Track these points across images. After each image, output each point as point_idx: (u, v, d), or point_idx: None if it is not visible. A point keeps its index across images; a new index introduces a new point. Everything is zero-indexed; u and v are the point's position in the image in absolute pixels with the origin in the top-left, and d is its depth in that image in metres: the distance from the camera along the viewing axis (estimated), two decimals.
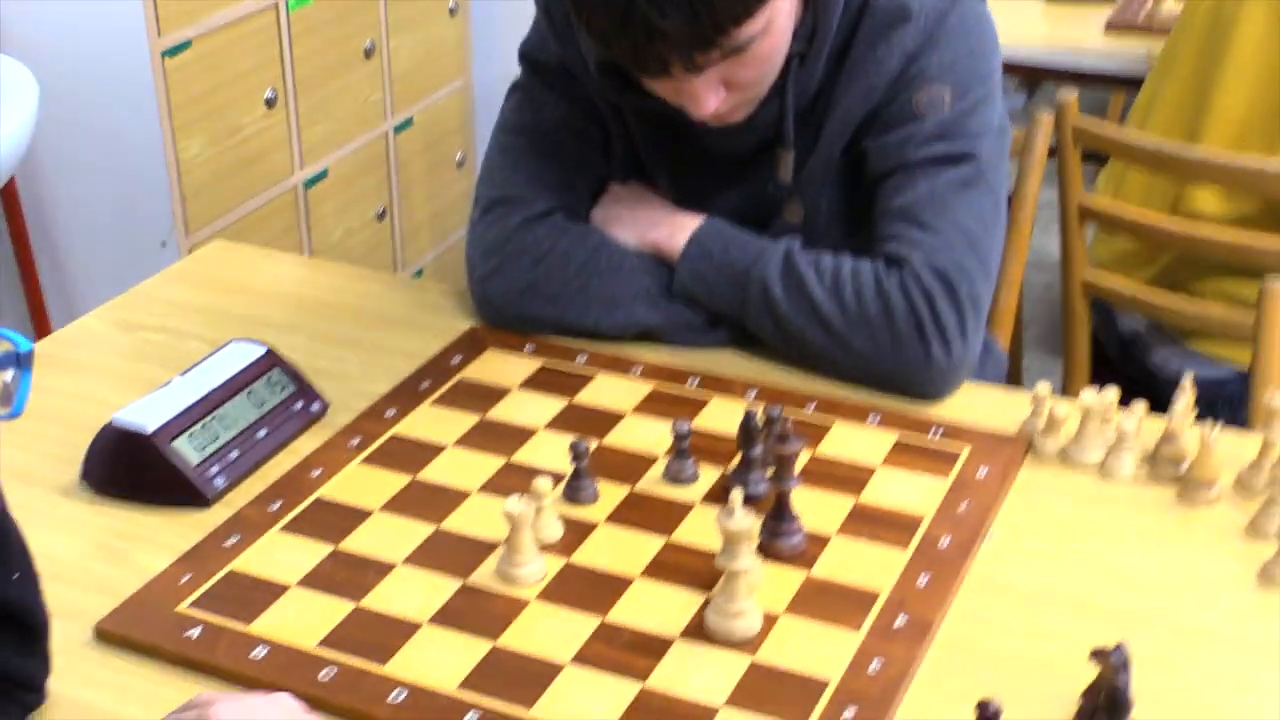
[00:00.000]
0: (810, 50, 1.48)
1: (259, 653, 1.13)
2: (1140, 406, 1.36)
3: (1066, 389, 2.23)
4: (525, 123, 1.62)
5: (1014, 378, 2.27)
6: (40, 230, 2.63)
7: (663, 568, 1.18)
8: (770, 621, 1.16)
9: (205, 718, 0.98)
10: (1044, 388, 1.39)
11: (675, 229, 1.54)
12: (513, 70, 1.66)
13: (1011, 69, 2.55)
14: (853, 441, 1.39)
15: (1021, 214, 1.97)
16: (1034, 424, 1.39)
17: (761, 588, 1.18)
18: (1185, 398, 1.35)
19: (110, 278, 2.34)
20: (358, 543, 1.26)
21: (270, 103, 2.68)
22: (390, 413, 1.44)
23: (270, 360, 1.46)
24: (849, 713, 1.06)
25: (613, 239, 1.57)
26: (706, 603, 1.17)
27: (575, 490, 1.30)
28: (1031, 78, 3.29)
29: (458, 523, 1.28)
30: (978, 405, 1.45)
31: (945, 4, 1.49)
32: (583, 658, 1.12)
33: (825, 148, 1.53)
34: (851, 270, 1.46)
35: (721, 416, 1.42)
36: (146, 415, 1.34)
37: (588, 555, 1.24)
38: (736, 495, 1.12)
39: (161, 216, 2.54)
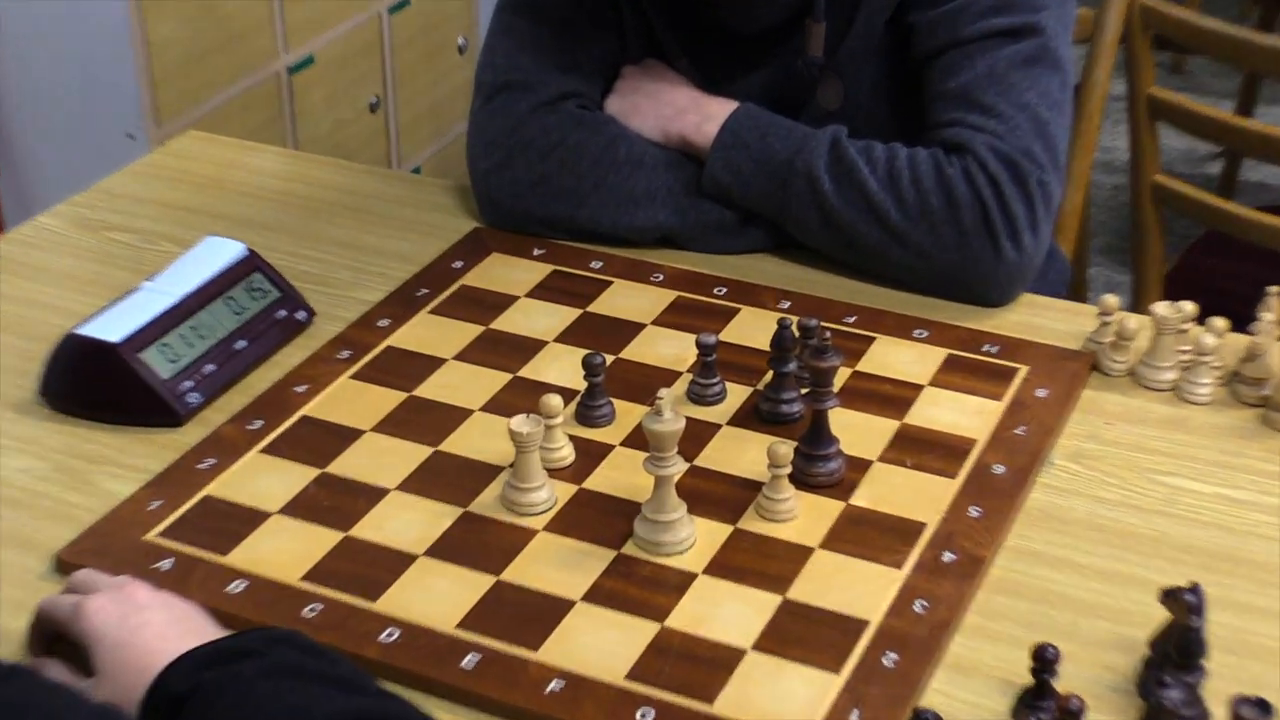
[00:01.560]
0: None
1: (236, 587, 1.13)
2: (1220, 321, 1.34)
3: (1136, 306, 2.22)
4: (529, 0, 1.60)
5: (1077, 291, 2.25)
6: None
7: (686, 495, 1.17)
8: (803, 555, 1.15)
9: (81, 611, 1.01)
10: (1112, 299, 1.38)
11: (704, 118, 1.52)
12: None
13: None
14: (897, 358, 1.38)
15: (1089, 104, 1.95)
16: (1100, 339, 1.38)
17: (796, 518, 1.18)
18: (1271, 310, 1.33)
19: (71, 173, 2.32)
20: (346, 466, 1.26)
21: None
22: (384, 322, 1.44)
23: (251, 262, 1.45)
24: (890, 657, 1.06)
25: (631, 130, 1.55)
26: (733, 534, 1.17)
27: (588, 409, 1.30)
28: None
29: (458, 444, 1.28)
30: (1038, 318, 1.44)
31: None
32: (595, 594, 1.12)
33: (865, 21, 1.51)
34: (908, 158, 1.44)
35: (751, 328, 1.42)
36: (112, 324, 1.33)
37: (601, 481, 1.23)
38: (665, 395, 1.11)
39: (128, 106, 2.52)
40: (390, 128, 3.13)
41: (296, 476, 1.25)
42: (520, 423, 1.17)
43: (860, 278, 1.49)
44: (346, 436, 1.29)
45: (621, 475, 1.24)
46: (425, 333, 1.42)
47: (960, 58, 1.47)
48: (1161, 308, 1.34)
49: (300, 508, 1.21)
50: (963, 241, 1.42)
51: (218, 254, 1.45)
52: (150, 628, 1.02)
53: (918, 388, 1.34)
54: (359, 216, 1.65)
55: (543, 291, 1.48)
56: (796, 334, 1.30)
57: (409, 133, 3.20)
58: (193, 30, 2.56)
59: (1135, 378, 1.35)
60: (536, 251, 1.55)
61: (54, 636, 1.06)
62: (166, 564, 1.15)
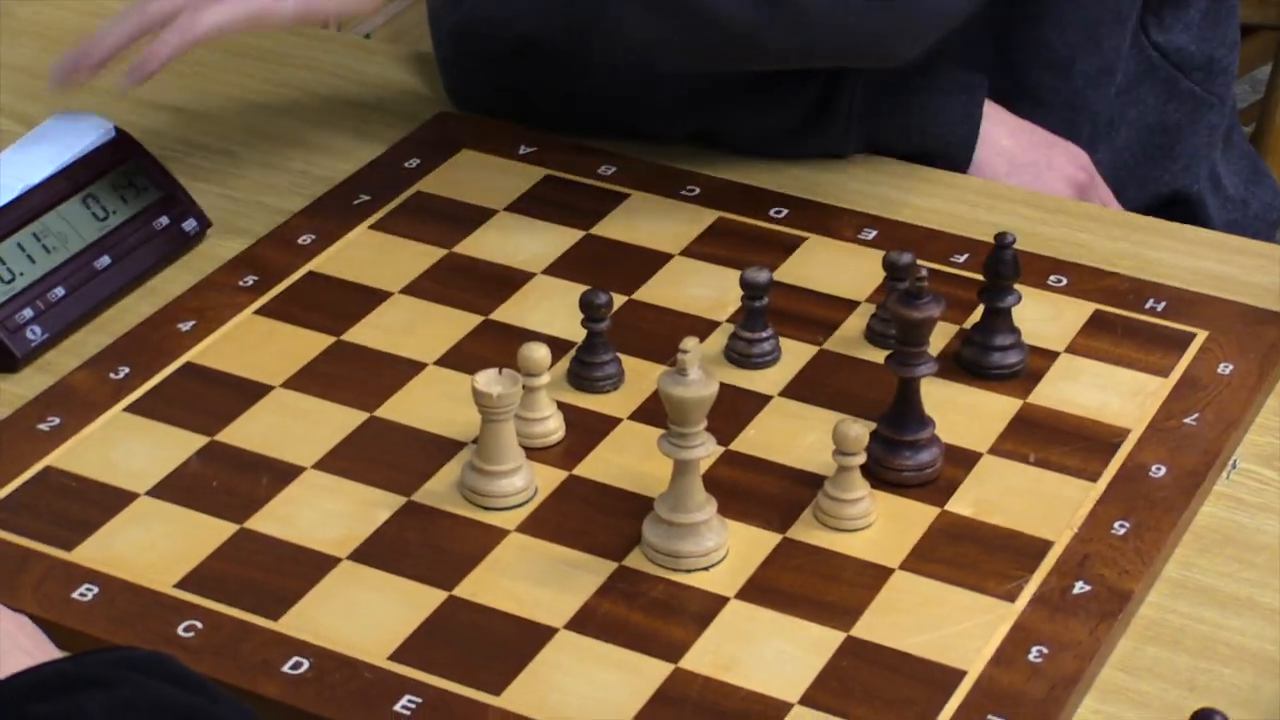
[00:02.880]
0: None
1: (85, 593, 1.16)
2: None
3: None
4: None
5: None
6: None
7: (718, 490, 1.20)
8: (878, 579, 1.18)
9: None
10: None
11: None
12: None
13: None
14: (1023, 313, 1.39)
15: None
16: None
17: (871, 528, 1.21)
18: None
19: None
20: (245, 434, 1.29)
21: None
22: (306, 239, 1.47)
23: (122, 148, 1.48)
24: None
25: None
26: (780, 545, 1.20)
27: (586, 368, 1.33)
28: None
29: (402, 409, 1.31)
30: (1226, 265, 1.47)
31: None
32: (584, 622, 1.14)
33: None
34: None
35: (820, 266, 1.45)
36: None
37: (600, 466, 1.26)
38: (691, 346, 1.13)
39: None
40: None
41: (174, 446, 1.27)
42: (489, 380, 1.19)
43: (980, 195, 1.53)
44: (247, 393, 1.32)
45: (628, 459, 1.26)
46: (364, 255, 1.45)
47: None
48: None
49: (178, 489, 1.24)
50: None
51: (73, 136, 1.48)
52: None
53: (1050, 355, 1.36)
54: (274, 91, 1.68)
55: (531, 204, 1.51)
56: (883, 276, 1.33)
57: None
58: None
59: None
60: (524, 149, 1.58)
61: None
62: None
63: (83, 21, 1.77)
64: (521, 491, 1.22)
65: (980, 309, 1.34)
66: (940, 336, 1.34)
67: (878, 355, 1.32)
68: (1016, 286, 1.34)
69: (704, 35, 1.44)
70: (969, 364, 1.34)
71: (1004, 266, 1.31)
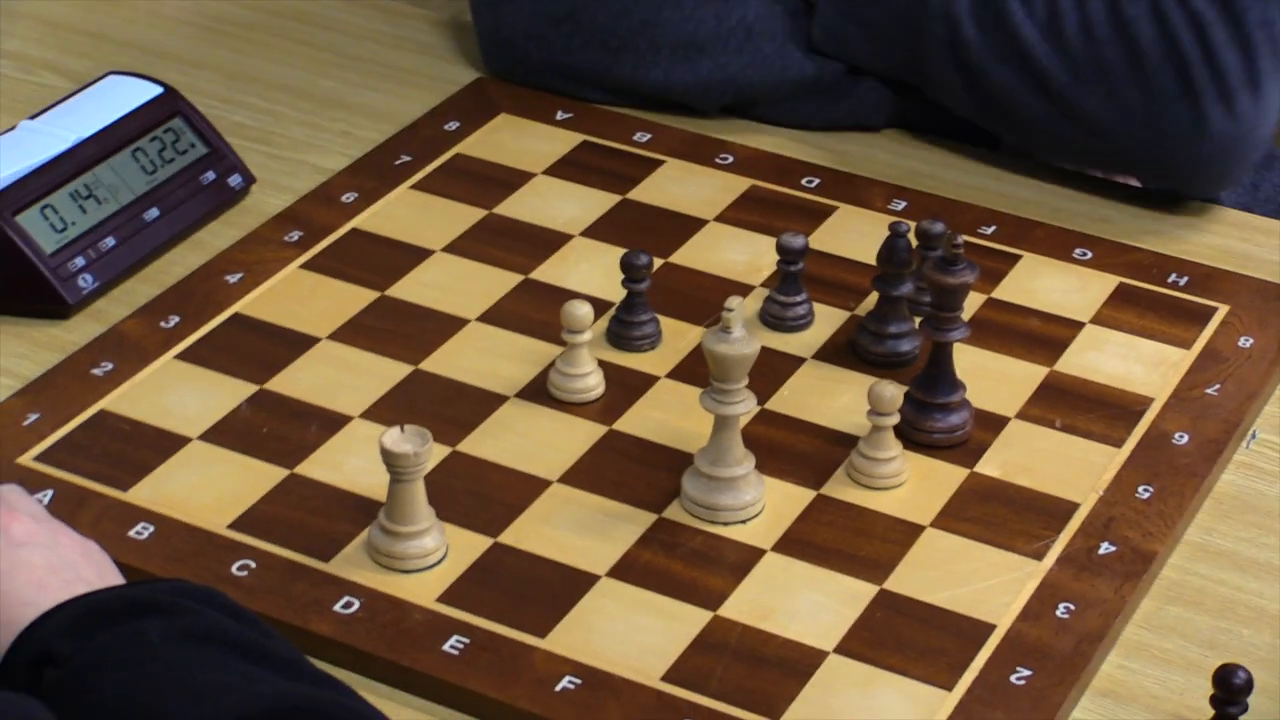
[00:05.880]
0: None
1: (141, 531, 1.19)
2: None
3: None
4: None
5: None
6: None
7: (755, 447, 1.22)
8: (910, 535, 1.20)
9: (2, 527, 1.06)
10: None
11: None
12: None
13: None
14: (1050, 284, 1.42)
15: None
16: None
17: (903, 486, 1.23)
18: None
19: None
20: (293, 383, 1.31)
21: None
22: (348, 197, 1.49)
23: (170, 105, 1.50)
24: (1021, 674, 1.10)
25: None
26: (815, 501, 1.22)
27: (626, 327, 1.35)
28: None
29: (445, 363, 1.33)
30: (1247, 242, 1.49)
31: None
32: (626, 570, 1.17)
33: None
34: None
35: (852, 234, 1.47)
36: None
37: (639, 422, 1.29)
38: (734, 303, 1.16)
39: None
40: None
41: (225, 393, 1.30)
42: (397, 440, 1.14)
43: (1007, 169, 1.54)
44: (294, 344, 1.35)
45: (667, 416, 1.29)
46: (406, 214, 1.48)
47: None
48: None
49: (229, 434, 1.26)
50: (1153, 109, 1.45)
51: (122, 92, 1.50)
52: (27, 571, 1.06)
53: (1076, 325, 1.39)
54: (316, 54, 1.70)
55: (568, 169, 1.53)
56: (915, 244, 1.34)
57: None
58: None
59: None
60: (561, 115, 1.59)
61: None
62: (46, 496, 1.20)
63: None
64: (432, 553, 1.17)
65: (875, 296, 1.35)
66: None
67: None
68: (1032, 259, 1.35)
69: (1001, 119, 1.53)
70: (861, 352, 1.35)
71: (897, 255, 1.32)
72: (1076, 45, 1.47)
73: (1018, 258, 1.45)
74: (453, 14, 1.74)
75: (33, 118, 1.47)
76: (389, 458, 1.13)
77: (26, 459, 1.24)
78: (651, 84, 1.59)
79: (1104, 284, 1.43)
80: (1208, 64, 1.44)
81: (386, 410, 1.29)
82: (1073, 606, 1.15)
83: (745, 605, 1.15)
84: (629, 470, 1.25)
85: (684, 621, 1.13)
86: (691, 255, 1.45)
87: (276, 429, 1.27)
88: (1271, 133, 1.48)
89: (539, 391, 1.31)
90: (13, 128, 1.45)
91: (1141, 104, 1.46)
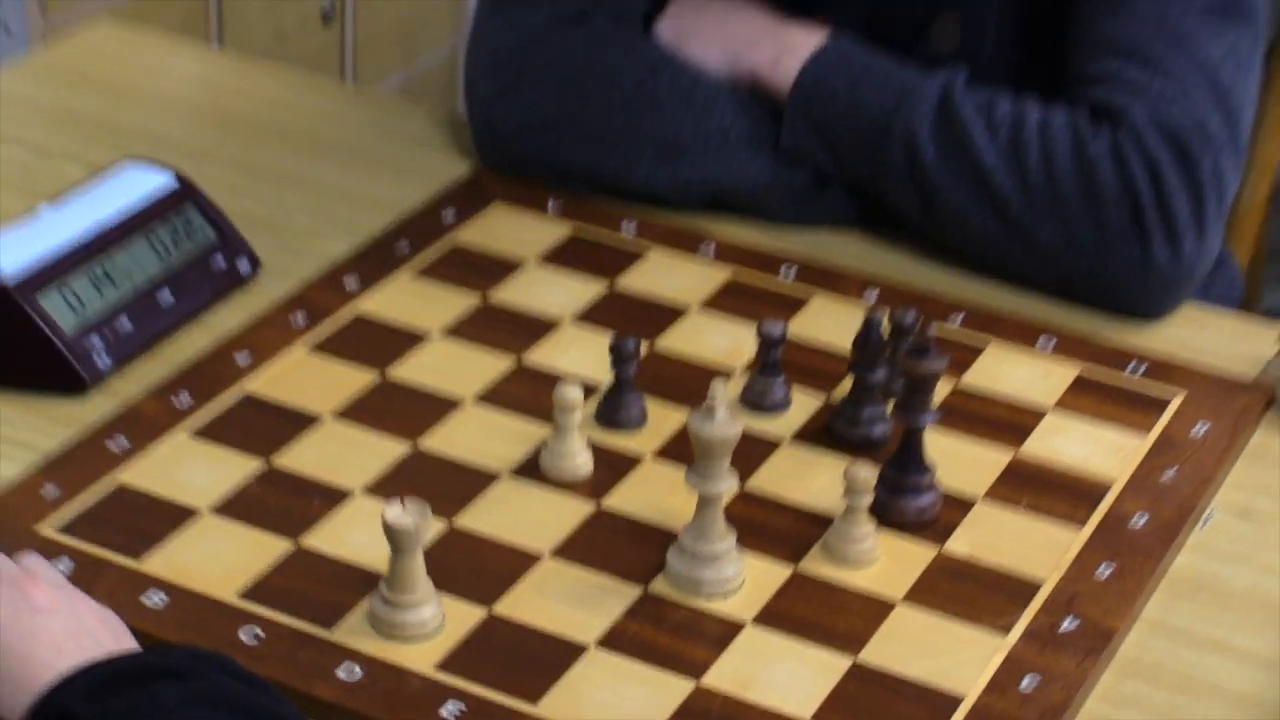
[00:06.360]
0: None
1: (155, 599, 1.20)
2: None
3: None
4: None
5: (1248, 309, 2.29)
6: None
7: (735, 525, 1.24)
8: (882, 611, 1.22)
9: (24, 594, 1.07)
10: None
11: (783, 50, 1.59)
12: None
13: None
14: (1014, 373, 1.44)
15: None
16: None
17: (876, 563, 1.25)
18: None
19: None
20: (300, 459, 1.33)
21: None
22: (352, 283, 1.51)
23: (182, 194, 1.52)
24: None
25: (681, 57, 1.61)
26: (792, 577, 1.24)
27: (614, 408, 1.37)
28: None
29: (443, 441, 1.35)
30: (1201, 335, 1.51)
31: None
32: (614, 640, 1.19)
33: None
34: (1039, 124, 1.51)
35: (826, 323, 1.49)
36: (2, 256, 1.40)
37: (627, 499, 1.30)
38: (717, 387, 1.18)
39: None
40: (346, 46, 3.19)
41: (235, 468, 1.31)
42: (399, 514, 1.15)
43: (972, 267, 1.56)
44: (300, 422, 1.36)
45: (652, 494, 1.31)
46: (406, 299, 1.49)
47: None
48: None
49: (239, 507, 1.28)
50: (1104, 242, 1.49)
51: (137, 181, 1.52)
52: (46, 636, 1.08)
53: (1039, 412, 1.41)
54: (319, 145, 1.72)
55: (559, 258, 1.55)
56: (887, 333, 1.36)
57: (369, 53, 3.25)
58: None
59: None
60: (552, 205, 1.62)
61: None
62: (64, 565, 1.22)
63: (136, 75, 1.81)
64: (430, 623, 1.18)
65: (849, 382, 1.37)
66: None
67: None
68: (998, 347, 1.38)
69: (955, 237, 1.56)
70: (837, 435, 1.37)
71: (871, 343, 1.35)
72: (1037, 176, 1.49)
73: (984, 347, 1.47)
74: (449, 110, 1.76)
75: (53, 204, 1.48)
76: (390, 531, 1.15)
77: (46, 529, 1.25)
78: (635, 182, 1.61)
79: (1066, 372, 1.45)
80: (1159, 207, 1.48)
81: (387, 486, 1.30)
82: (1037, 679, 1.17)
83: (727, 675, 1.16)
84: (617, 545, 1.26)
85: (669, 690, 1.15)
86: (676, 341, 1.47)
87: (283, 502, 1.29)
88: (1209, 267, 1.52)
89: (531, 469, 1.32)
90: (34, 213, 1.47)
91: (1094, 237, 1.49)
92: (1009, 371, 1.44)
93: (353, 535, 1.26)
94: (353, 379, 1.41)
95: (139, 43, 1.90)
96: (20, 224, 1.46)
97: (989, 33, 1.61)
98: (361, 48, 3.23)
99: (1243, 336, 1.51)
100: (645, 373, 1.39)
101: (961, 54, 1.60)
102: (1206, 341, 1.50)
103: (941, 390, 1.40)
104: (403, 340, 1.45)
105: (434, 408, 1.38)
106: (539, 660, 1.17)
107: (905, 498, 1.29)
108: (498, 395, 1.40)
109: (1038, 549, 1.27)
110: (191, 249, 1.50)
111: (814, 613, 1.22)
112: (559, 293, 1.51)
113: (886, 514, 1.28)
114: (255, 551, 1.24)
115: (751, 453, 1.34)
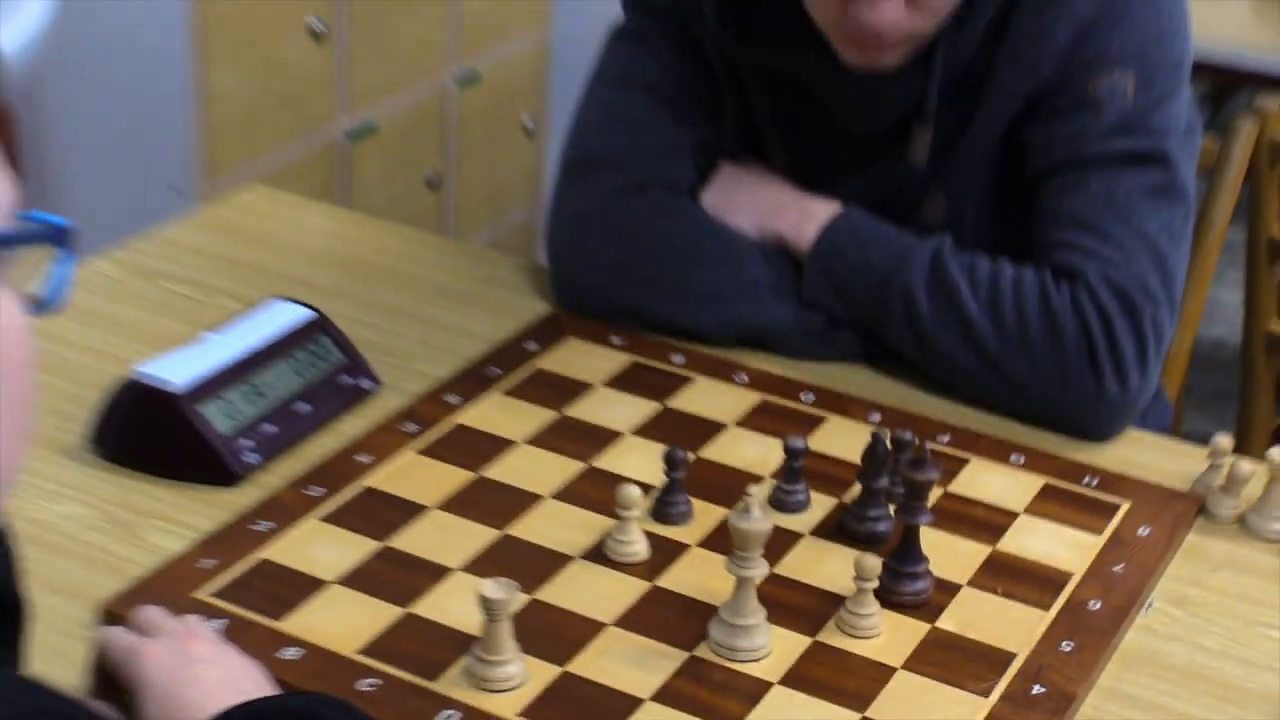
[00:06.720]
0: (968, 11, 1.51)
1: (291, 653, 1.19)
2: None
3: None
4: (626, 73, 1.67)
5: (1176, 434, 2.28)
6: (30, 158, 2.70)
7: (764, 602, 1.22)
8: (885, 675, 1.21)
9: (135, 656, 1.05)
10: (1225, 440, 1.43)
11: (803, 218, 1.59)
12: (599, 26, 1.72)
13: (1199, 69, 2.55)
14: (992, 482, 1.43)
15: (1208, 240, 2.01)
16: (1209, 482, 1.43)
17: (879, 636, 1.24)
18: None
19: (108, 219, 2.40)
20: (409, 541, 1.32)
21: (317, 35, 2.74)
22: (453, 398, 1.50)
23: (318, 325, 1.52)
24: None
25: (721, 222, 1.61)
26: (812, 646, 1.22)
27: (666, 505, 1.36)
28: (1223, 83, 3.29)
29: (526, 529, 1.34)
30: (1143, 455, 1.50)
31: None
32: (665, 695, 1.17)
33: (979, 132, 1.57)
34: (1013, 280, 1.50)
35: (839, 439, 1.48)
36: (174, 371, 1.40)
37: (676, 579, 1.29)
38: (754, 493, 1.18)
39: (176, 157, 2.60)
40: (448, 207, 3.21)
41: (356, 547, 1.31)
42: (496, 588, 1.14)
43: (957, 396, 1.55)
44: (410, 511, 1.35)
45: (697, 575, 1.29)
46: (496, 413, 1.49)
47: (1079, 178, 1.53)
48: (1278, 454, 1.39)
49: (359, 579, 1.27)
50: (1064, 376, 1.48)
51: (283, 315, 1.52)
52: (201, 684, 1.07)
53: (1012, 515, 1.39)
54: (427, 288, 1.72)
55: (621, 382, 1.55)
56: (890, 448, 1.35)
57: (466, 214, 3.28)
58: (252, 84, 2.65)
59: (1245, 525, 1.40)
60: (615, 340, 1.61)
61: (111, 674, 1.11)
62: (217, 624, 1.21)
63: (281, 229, 1.82)
64: (515, 678, 1.17)
65: (858, 487, 1.36)
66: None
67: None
68: (978, 462, 1.37)
69: (944, 370, 1.55)
70: (848, 531, 1.35)
71: (876, 456, 1.33)
72: (1010, 322, 1.49)
73: (967, 460, 1.46)
74: (531, 260, 1.76)
75: (214, 331, 1.48)
76: (484, 603, 1.14)
77: (203, 594, 1.25)
78: (683, 324, 1.61)
79: (1034, 483, 1.44)
80: (1110, 350, 1.48)
81: (480, 565, 1.29)
82: None
83: None
84: (668, 617, 1.25)
85: None
86: (717, 451, 1.46)
87: (396, 577, 1.28)
88: (1149, 400, 1.52)
89: (598, 554, 1.31)
90: (199, 339, 1.47)
91: (1057, 374, 1.49)
92: (988, 481, 1.43)
93: (452, 605, 1.25)
94: (453, 477, 1.40)
95: (282, 203, 1.90)
96: (188, 347, 1.46)
97: (969, 208, 1.61)
98: (460, 209, 3.25)
99: (1176, 456, 1.50)
100: (692, 477, 1.38)
101: (948, 224, 1.60)
102: (1147, 459, 1.49)
103: (934, 495, 1.39)
104: (493, 446, 1.44)
105: (518, 501, 1.37)
106: (603, 711, 1.16)
107: (904, 582, 1.28)
108: (570, 493, 1.39)
109: (1012, 627, 1.26)
110: (324, 369, 1.50)
111: (828, 675, 1.20)
112: (621, 410, 1.50)
113: (888, 596, 1.27)
114: (372, 616, 1.23)
115: (778, 544, 1.33)
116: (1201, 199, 1.98)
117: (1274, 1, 2.92)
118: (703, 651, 1.22)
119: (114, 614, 1.22)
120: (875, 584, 1.24)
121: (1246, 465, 1.41)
